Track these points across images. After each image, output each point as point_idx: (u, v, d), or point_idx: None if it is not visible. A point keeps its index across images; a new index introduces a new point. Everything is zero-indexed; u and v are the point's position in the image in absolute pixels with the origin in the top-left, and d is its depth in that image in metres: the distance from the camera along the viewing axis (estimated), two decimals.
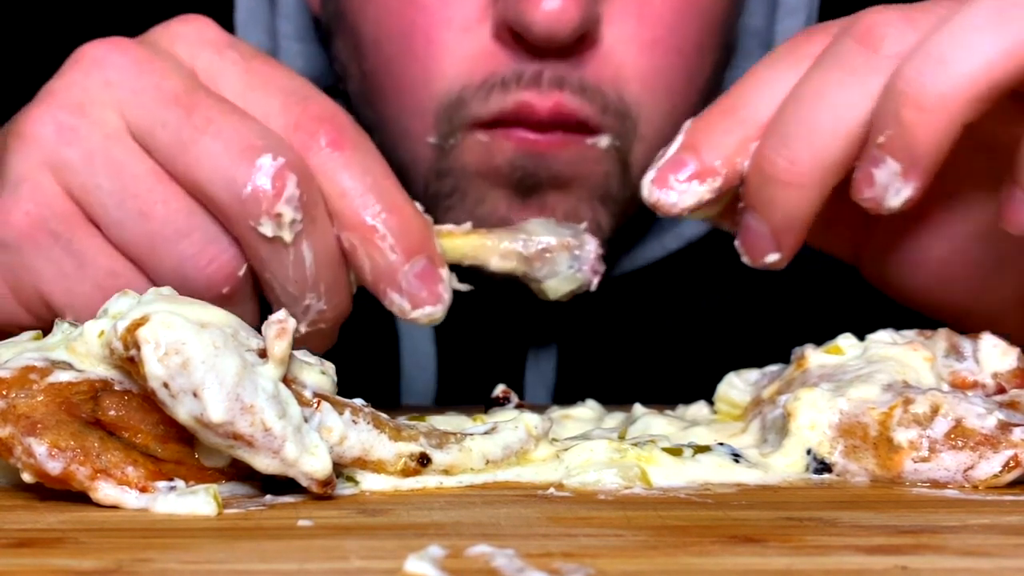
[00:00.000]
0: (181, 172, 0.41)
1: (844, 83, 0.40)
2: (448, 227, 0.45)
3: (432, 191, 0.58)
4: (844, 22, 0.41)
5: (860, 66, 0.39)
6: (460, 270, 0.45)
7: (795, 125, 0.40)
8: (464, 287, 0.45)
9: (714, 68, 0.60)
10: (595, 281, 0.46)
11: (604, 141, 0.56)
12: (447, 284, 0.43)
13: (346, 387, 0.36)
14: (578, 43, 0.54)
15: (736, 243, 0.44)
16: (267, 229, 0.40)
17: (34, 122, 0.42)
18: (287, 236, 0.41)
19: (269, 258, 0.41)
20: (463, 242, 0.45)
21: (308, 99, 0.43)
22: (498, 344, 0.68)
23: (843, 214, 0.44)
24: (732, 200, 0.44)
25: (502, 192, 0.57)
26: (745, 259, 0.44)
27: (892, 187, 0.39)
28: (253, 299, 0.44)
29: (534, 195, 0.56)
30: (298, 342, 0.42)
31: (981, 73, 0.37)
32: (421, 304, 0.43)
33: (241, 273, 0.42)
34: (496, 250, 0.45)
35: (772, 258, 0.43)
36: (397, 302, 0.43)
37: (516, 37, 0.53)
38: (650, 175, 0.43)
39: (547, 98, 0.54)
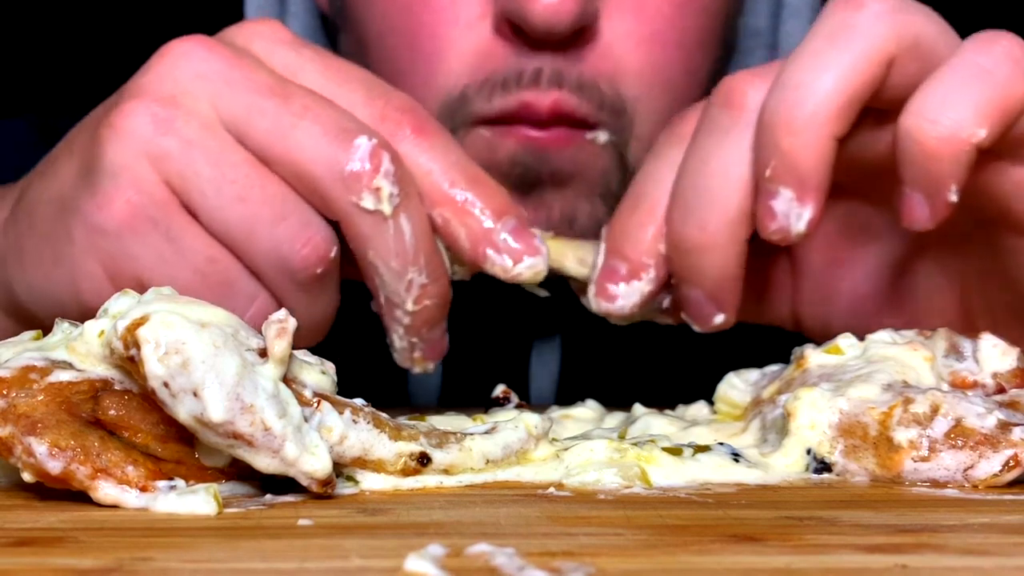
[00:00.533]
0: (280, 156, 0.43)
1: (722, 144, 0.43)
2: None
3: None
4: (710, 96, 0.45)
5: (731, 126, 0.43)
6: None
7: (692, 194, 0.44)
8: (543, 293, 0.48)
9: (714, 65, 0.60)
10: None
11: (602, 137, 0.56)
12: (540, 239, 0.46)
13: (353, 382, 0.36)
14: (577, 37, 0.54)
15: (682, 316, 0.47)
16: (368, 203, 0.43)
17: (128, 115, 0.44)
18: (387, 208, 0.43)
19: (372, 233, 0.44)
20: (549, 245, 0.47)
21: (389, 93, 0.46)
22: (503, 337, 0.68)
23: (770, 283, 0.49)
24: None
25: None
26: (696, 328, 0.47)
27: (792, 213, 0.42)
28: (338, 285, 0.46)
29: (534, 191, 0.56)
30: (409, 325, 0.46)
31: (836, 88, 0.41)
32: (520, 257, 0.45)
33: (333, 255, 0.44)
34: (574, 257, 0.48)
35: (718, 319, 0.46)
36: (499, 261, 0.45)
37: (516, 31, 0.54)
38: (591, 291, 0.47)
39: (546, 96, 0.54)
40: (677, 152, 0.45)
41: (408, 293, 0.45)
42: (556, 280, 0.48)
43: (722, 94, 0.44)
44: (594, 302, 0.47)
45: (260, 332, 0.33)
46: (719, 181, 0.43)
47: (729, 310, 0.46)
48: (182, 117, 0.43)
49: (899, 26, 0.41)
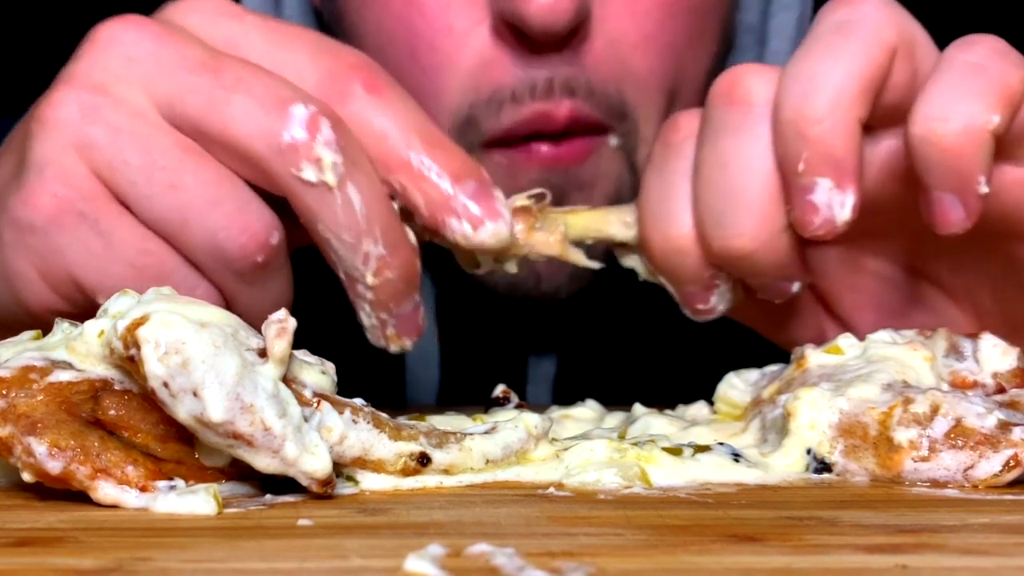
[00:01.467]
0: (216, 134, 0.41)
1: (737, 143, 0.42)
2: (569, 207, 0.47)
3: None
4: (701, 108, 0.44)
5: (743, 122, 0.42)
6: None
7: (719, 201, 0.42)
8: (596, 264, 0.47)
9: (712, 62, 0.60)
10: None
11: (613, 140, 0.56)
12: (503, 201, 0.43)
13: (352, 389, 0.36)
14: (572, 37, 0.54)
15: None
16: (310, 174, 0.41)
17: (56, 105, 0.42)
18: (331, 179, 0.41)
19: (318, 206, 0.41)
20: (586, 216, 0.46)
21: (338, 49, 0.44)
22: (500, 348, 0.68)
23: (798, 309, 0.48)
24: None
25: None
26: (777, 300, 0.46)
27: (835, 202, 0.41)
28: (286, 269, 0.44)
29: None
30: (374, 300, 0.43)
31: (853, 72, 0.40)
32: (481, 222, 0.43)
33: (275, 241, 0.42)
34: (618, 221, 0.47)
35: (795, 288, 0.45)
36: (459, 229, 0.43)
37: (515, 33, 0.53)
38: (685, 310, 0.47)
39: (560, 105, 0.54)
40: (676, 161, 0.44)
41: (366, 266, 0.42)
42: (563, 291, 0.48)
43: (723, 93, 0.43)
44: (699, 319, 0.47)
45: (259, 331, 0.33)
46: (744, 180, 0.42)
47: (801, 277, 0.45)
48: (110, 104, 0.41)
49: (899, 21, 0.41)
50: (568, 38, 0.53)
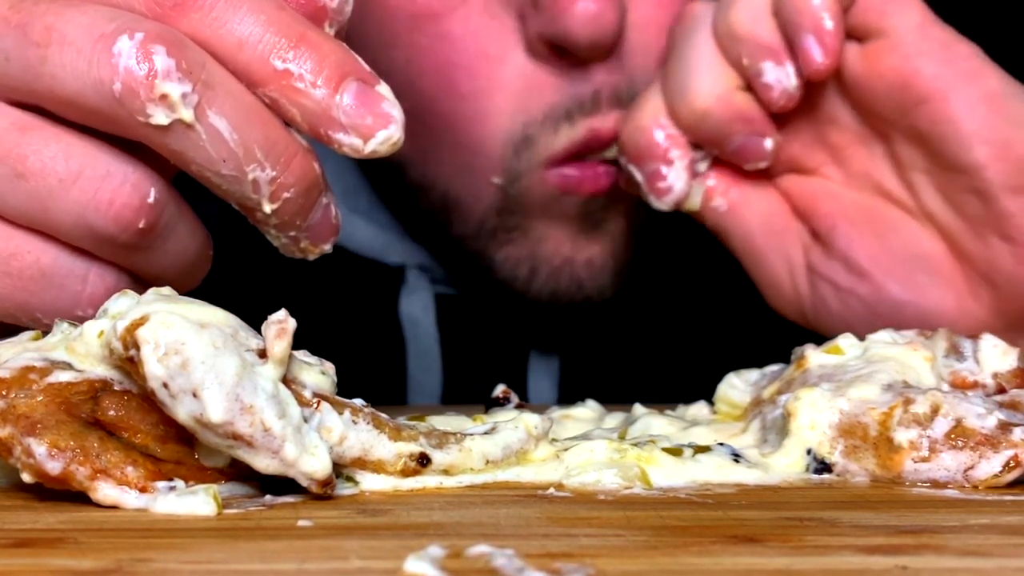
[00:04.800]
0: (46, 99, 0.36)
1: (689, 41, 0.51)
2: None
3: (490, 226, 0.58)
4: None
5: (692, 26, 0.51)
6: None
7: (680, 80, 0.51)
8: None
9: None
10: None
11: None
12: (392, 100, 0.38)
13: (351, 383, 0.36)
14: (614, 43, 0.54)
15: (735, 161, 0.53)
16: (160, 117, 0.35)
17: None
18: (186, 114, 0.35)
19: (183, 147, 0.36)
20: None
21: None
22: (501, 347, 0.68)
23: (780, 228, 0.53)
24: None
25: (565, 230, 0.58)
26: (754, 166, 0.53)
27: (781, 75, 0.49)
28: (183, 217, 0.39)
29: (598, 229, 0.58)
30: (278, 223, 0.38)
31: None
32: (372, 132, 0.37)
33: (152, 199, 0.37)
34: None
35: (768, 144, 0.51)
36: (347, 142, 0.37)
37: (555, 51, 0.53)
38: (650, 197, 0.53)
39: (606, 119, 0.55)
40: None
41: (259, 194, 0.37)
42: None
43: (679, 15, 0.52)
44: (658, 204, 0.52)
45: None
46: (695, 58, 0.50)
47: (769, 132, 0.51)
48: None
49: None
50: (613, 46, 0.54)
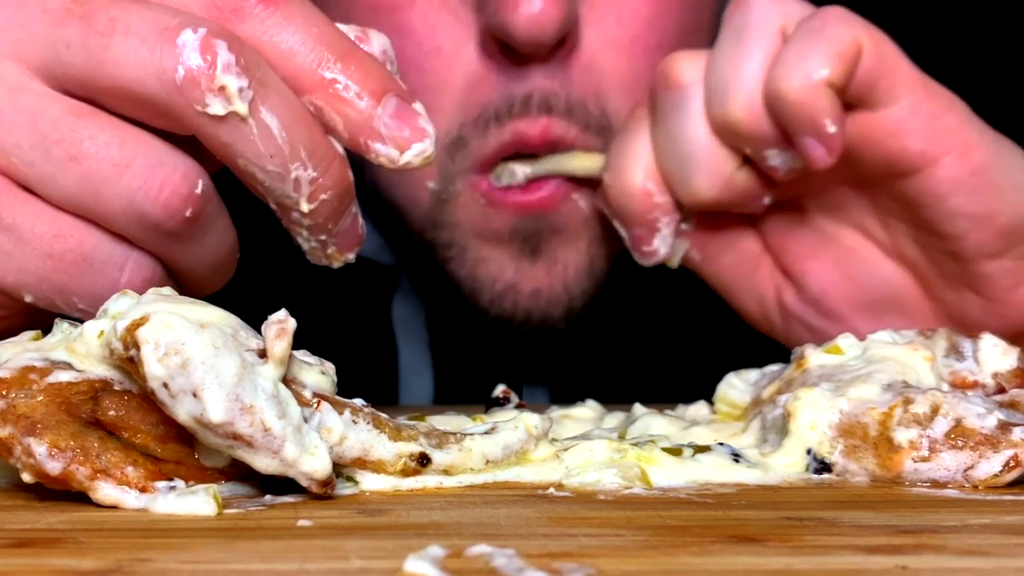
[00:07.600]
0: (105, 87, 0.37)
1: (679, 120, 0.49)
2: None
3: (429, 238, 0.58)
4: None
5: (680, 102, 0.49)
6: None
7: (678, 169, 0.50)
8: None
9: None
10: None
11: (578, 198, 0.56)
12: (426, 117, 0.40)
13: (345, 385, 0.36)
14: (560, 47, 0.53)
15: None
16: (217, 107, 0.37)
17: None
18: (241, 108, 0.37)
19: (233, 139, 0.37)
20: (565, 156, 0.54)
21: None
22: (492, 352, 0.67)
23: (753, 268, 0.54)
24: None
25: (505, 253, 0.57)
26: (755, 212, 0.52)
27: (786, 159, 0.48)
28: (222, 214, 0.41)
29: (541, 253, 0.57)
30: (311, 225, 0.40)
31: (754, 68, 0.47)
32: (408, 144, 0.39)
33: (199, 190, 0.38)
34: (588, 161, 0.54)
35: (766, 200, 0.51)
36: (383, 152, 0.39)
37: (502, 47, 0.53)
38: (635, 254, 0.53)
39: (535, 123, 0.54)
40: (635, 127, 0.51)
41: (298, 193, 0.39)
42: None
43: (659, 79, 0.50)
44: (640, 261, 0.53)
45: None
46: (691, 148, 0.49)
47: (767, 195, 0.51)
48: None
49: (783, 9, 0.48)
50: (555, 49, 0.53)
